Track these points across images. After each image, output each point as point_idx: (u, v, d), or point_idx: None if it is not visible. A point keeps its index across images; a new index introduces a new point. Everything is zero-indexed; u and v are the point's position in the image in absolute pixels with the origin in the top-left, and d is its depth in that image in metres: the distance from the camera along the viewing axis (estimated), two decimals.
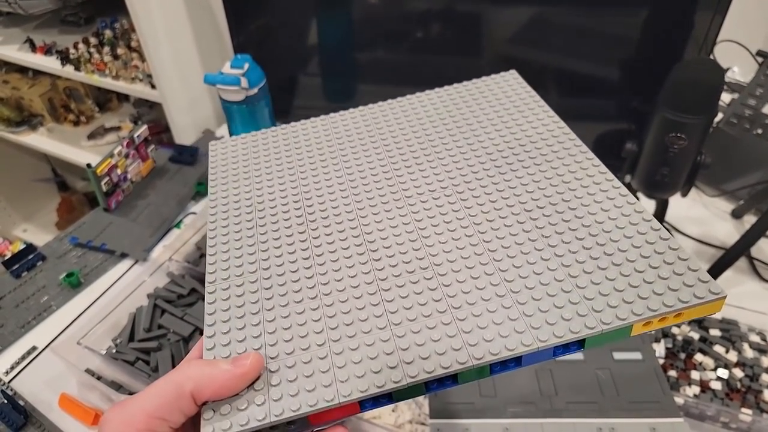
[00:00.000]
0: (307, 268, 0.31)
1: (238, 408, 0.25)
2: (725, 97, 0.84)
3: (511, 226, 0.31)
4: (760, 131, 0.72)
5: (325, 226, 0.33)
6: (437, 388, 0.26)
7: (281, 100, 0.91)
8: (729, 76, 0.91)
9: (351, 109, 0.42)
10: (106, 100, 1.37)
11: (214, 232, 0.34)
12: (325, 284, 0.30)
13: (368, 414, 0.52)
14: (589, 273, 0.28)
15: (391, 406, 0.53)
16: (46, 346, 0.62)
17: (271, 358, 0.27)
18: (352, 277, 0.30)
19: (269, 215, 0.35)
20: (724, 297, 0.26)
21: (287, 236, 0.33)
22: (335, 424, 0.26)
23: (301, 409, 0.25)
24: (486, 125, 0.39)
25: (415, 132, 0.39)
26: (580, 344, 0.26)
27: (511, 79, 0.43)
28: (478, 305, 0.27)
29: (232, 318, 0.29)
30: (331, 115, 0.42)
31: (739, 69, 0.91)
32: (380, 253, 0.31)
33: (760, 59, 0.83)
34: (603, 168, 0.34)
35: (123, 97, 1.38)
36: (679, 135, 0.53)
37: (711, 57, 0.66)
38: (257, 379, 0.26)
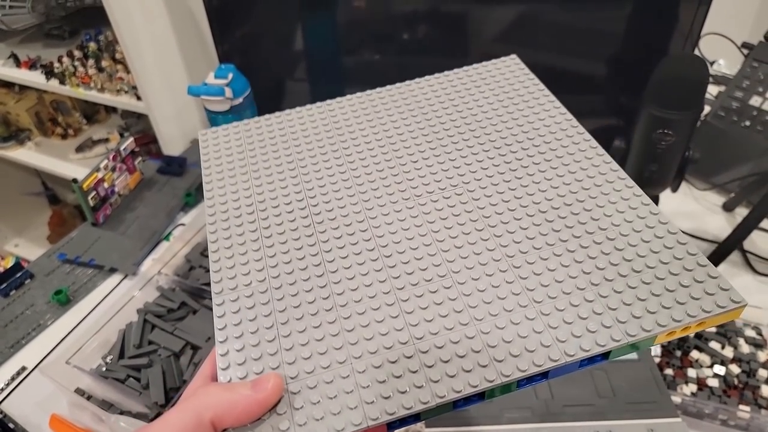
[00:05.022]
0: (319, 276, 0.29)
1: None
2: (712, 90, 0.84)
3: (527, 229, 0.30)
4: (748, 123, 0.72)
5: (334, 228, 0.31)
6: (464, 405, 0.25)
7: (269, 106, 0.90)
8: (715, 69, 0.91)
9: (348, 96, 0.40)
10: (93, 112, 1.36)
11: (215, 235, 0.32)
12: (339, 294, 0.28)
13: None
14: (610, 281, 0.27)
15: None
16: (36, 366, 0.61)
17: (291, 378, 0.25)
18: (367, 286, 0.28)
19: (272, 215, 0.33)
20: (745, 305, 0.26)
21: (294, 240, 0.31)
22: None
23: None
24: (491, 115, 0.37)
25: (417, 121, 0.37)
26: (604, 356, 0.25)
27: (512, 64, 0.41)
28: (501, 317, 0.26)
29: (245, 333, 0.27)
30: (328, 102, 0.40)
31: (725, 62, 0.91)
32: (395, 259, 0.29)
33: (745, 51, 0.83)
34: (615, 165, 0.33)
35: (111, 109, 1.37)
36: (666, 131, 0.53)
37: (696, 50, 0.66)
38: (279, 401, 0.25)
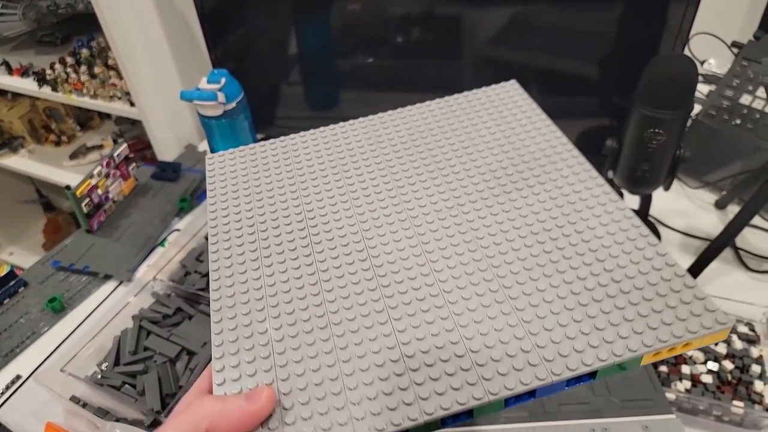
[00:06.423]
0: (315, 295, 0.30)
1: None
2: (703, 89, 0.84)
3: (518, 250, 0.31)
4: (738, 121, 0.73)
5: (331, 249, 0.32)
6: (452, 423, 0.26)
7: (263, 110, 0.90)
8: (705, 68, 0.92)
9: (351, 121, 0.41)
10: (87, 118, 1.36)
11: (216, 255, 0.33)
12: (334, 313, 0.29)
13: None
14: (598, 301, 0.28)
15: None
16: (30, 375, 0.61)
17: (284, 394, 0.26)
18: (361, 305, 0.29)
19: (272, 236, 0.34)
20: (731, 326, 0.26)
21: (292, 259, 0.32)
22: None
23: None
24: (488, 139, 0.38)
25: (416, 146, 0.38)
26: (591, 375, 0.26)
27: (512, 89, 0.42)
28: (490, 336, 0.27)
29: (240, 350, 0.28)
30: (331, 126, 0.41)
31: (715, 61, 0.92)
32: (389, 278, 0.30)
33: (735, 50, 0.84)
34: (607, 188, 0.34)
35: (104, 115, 1.37)
36: (656, 131, 0.53)
37: (686, 50, 0.66)
38: (271, 415, 0.25)
